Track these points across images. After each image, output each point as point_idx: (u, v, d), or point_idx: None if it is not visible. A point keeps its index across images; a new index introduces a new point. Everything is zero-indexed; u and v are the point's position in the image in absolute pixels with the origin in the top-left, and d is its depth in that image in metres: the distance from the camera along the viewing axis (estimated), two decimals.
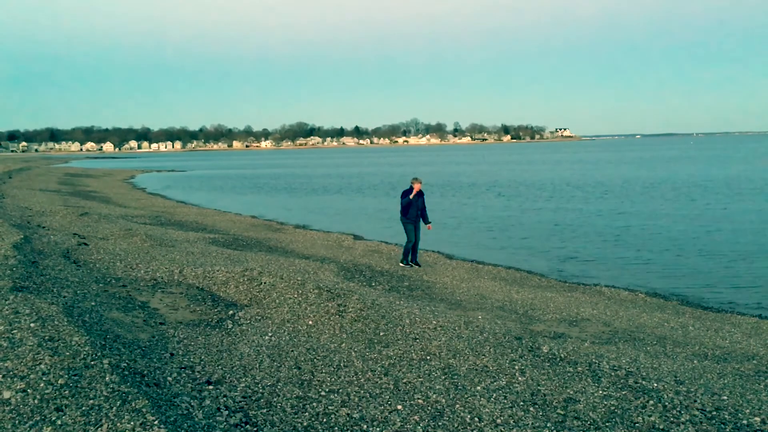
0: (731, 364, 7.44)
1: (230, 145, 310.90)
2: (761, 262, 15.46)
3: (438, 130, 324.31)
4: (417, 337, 7.76)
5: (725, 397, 6.03)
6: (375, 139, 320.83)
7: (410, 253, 14.45)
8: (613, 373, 6.60)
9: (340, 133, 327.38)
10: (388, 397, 5.92)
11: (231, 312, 8.81)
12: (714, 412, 5.63)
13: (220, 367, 6.50)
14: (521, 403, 5.78)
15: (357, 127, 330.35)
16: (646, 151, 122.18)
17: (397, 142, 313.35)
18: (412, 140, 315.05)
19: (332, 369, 6.62)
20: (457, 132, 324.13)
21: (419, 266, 14.30)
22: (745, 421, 5.46)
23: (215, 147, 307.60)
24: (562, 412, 5.62)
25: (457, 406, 5.73)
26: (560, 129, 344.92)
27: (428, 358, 7.03)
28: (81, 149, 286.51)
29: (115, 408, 4.71)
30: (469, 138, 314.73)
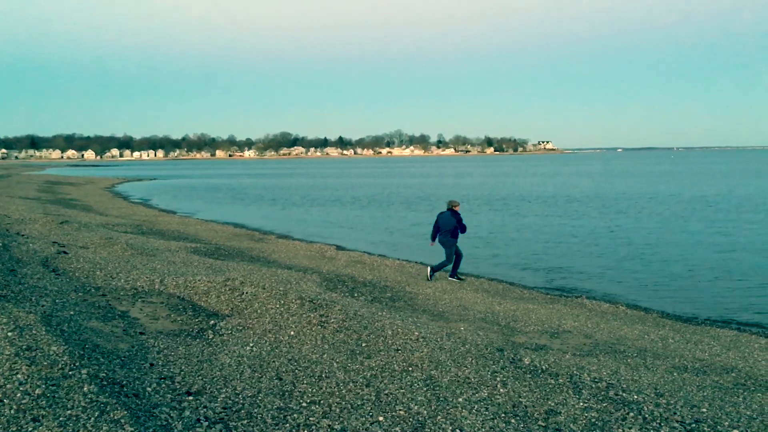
0: (710, 377, 7.50)
1: (213, 155, 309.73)
2: (740, 276, 15.63)
3: (422, 141, 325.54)
4: (399, 348, 7.74)
5: (704, 410, 6.07)
6: (359, 150, 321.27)
7: (455, 268, 14.73)
8: (593, 385, 6.62)
9: (323, 143, 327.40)
10: (369, 408, 5.89)
11: (212, 322, 8.75)
12: (693, 425, 5.66)
13: (200, 377, 6.44)
14: (503, 415, 5.78)
15: (341, 138, 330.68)
16: (629, 165, 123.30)
17: (380, 153, 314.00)
18: (396, 151, 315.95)
19: (314, 380, 6.58)
20: (440, 143, 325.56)
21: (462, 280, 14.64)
22: None
23: (198, 156, 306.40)
24: (543, 424, 5.63)
25: (439, 417, 5.72)
26: (543, 142, 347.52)
27: (410, 369, 7.02)
28: (62, 157, 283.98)
29: (93, 419, 4.65)
30: (452, 150, 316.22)
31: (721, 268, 16.58)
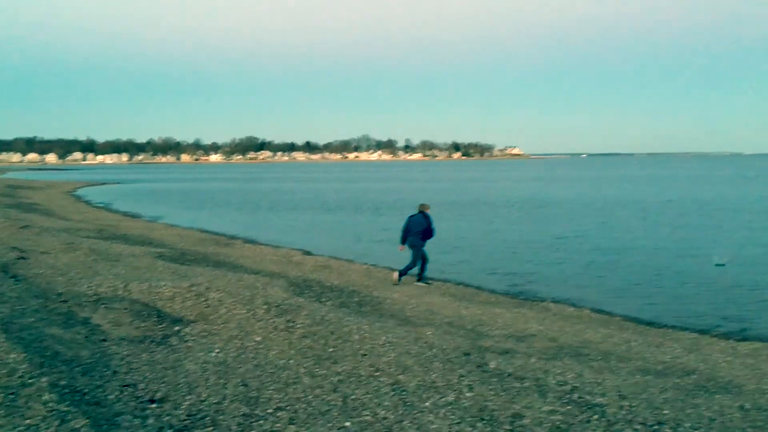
0: (672, 379, 7.63)
1: (178, 159, 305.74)
2: (701, 280, 15.94)
3: (389, 146, 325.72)
4: (366, 353, 7.74)
5: (666, 411, 6.18)
6: (326, 154, 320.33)
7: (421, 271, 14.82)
8: (558, 389, 6.70)
9: (291, 147, 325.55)
10: (336, 414, 5.87)
11: (177, 328, 8.64)
12: (656, 426, 5.75)
13: (164, 384, 6.35)
14: (469, 419, 5.80)
15: (308, 142, 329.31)
16: (593, 170, 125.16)
17: (347, 157, 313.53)
18: (363, 156, 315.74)
19: (280, 386, 6.54)
20: (408, 148, 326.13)
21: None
22: None
23: (163, 160, 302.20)
24: (509, 428, 5.67)
25: (406, 422, 5.72)
26: (509, 147, 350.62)
27: (377, 374, 7.01)
28: (22, 160, 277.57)
29: (53, 428, 4.55)
30: (420, 154, 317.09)
31: (683, 272, 16.89)
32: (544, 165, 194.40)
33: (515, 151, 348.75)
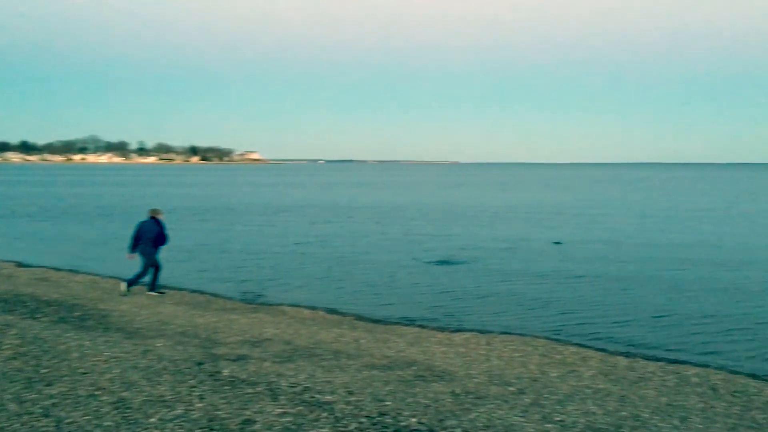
0: (395, 372, 8.16)
1: None
2: (426, 279, 17.33)
3: (120, 148, 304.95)
4: (86, 371, 7.13)
5: (389, 402, 6.59)
6: (47, 156, 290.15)
7: (153, 280, 14.08)
8: (290, 390, 6.79)
9: (2, 147, 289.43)
10: None
11: None
12: (378, 418, 6.10)
13: None
14: (197, 430, 5.63)
15: (24, 142, 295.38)
16: (332, 176, 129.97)
17: (72, 159, 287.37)
18: (91, 158, 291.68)
19: None
20: (142, 151, 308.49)
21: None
22: (404, 423, 6.01)
23: None
24: None
25: None
26: (249, 152, 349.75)
27: (98, 393, 6.49)
28: None
29: None
30: (155, 158, 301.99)
31: (413, 273, 18.23)
32: (284, 170, 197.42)
33: (255, 156, 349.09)
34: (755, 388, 8.30)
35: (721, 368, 9.43)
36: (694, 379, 8.62)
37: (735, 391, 8.09)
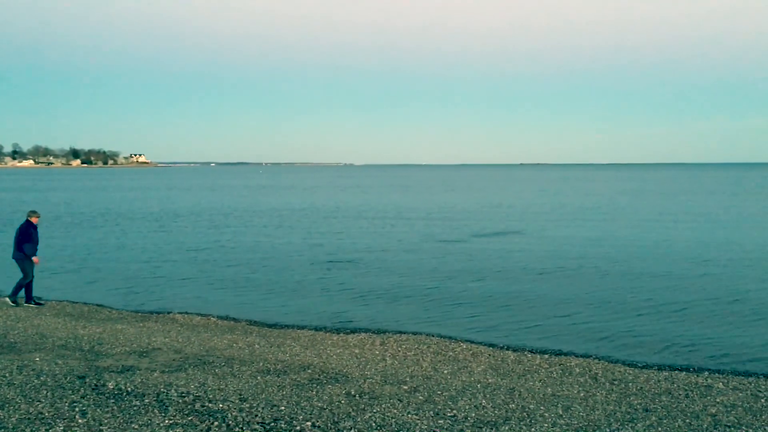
0: (290, 376, 8.09)
1: None
2: (322, 282, 17.27)
3: None
4: None
5: (283, 408, 6.52)
6: None
7: (28, 291, 13.17)
8: (180, 400, 6.59)
9: None
10: None
11: None
12: (272, 423, 6.03)
13: None
14: None
15: None
16: (224, 179, 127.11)
17: None
18: None
19: None
20: (17, 154, 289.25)
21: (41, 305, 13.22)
22: (299, 427, 5.97)
23: None
24: None
25: None
26: (135, 155, 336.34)
27: None
28: None
29: None
30: (32, 161, 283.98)
31: (310, 275, 18.12)
32: (173, 173, 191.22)
33: (142, 159, 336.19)
34: (632, 375, 8.84)
35: (601, 358, 9.97)
36: (577, 370, 9.07)
37: (614, 379, 8.58)
